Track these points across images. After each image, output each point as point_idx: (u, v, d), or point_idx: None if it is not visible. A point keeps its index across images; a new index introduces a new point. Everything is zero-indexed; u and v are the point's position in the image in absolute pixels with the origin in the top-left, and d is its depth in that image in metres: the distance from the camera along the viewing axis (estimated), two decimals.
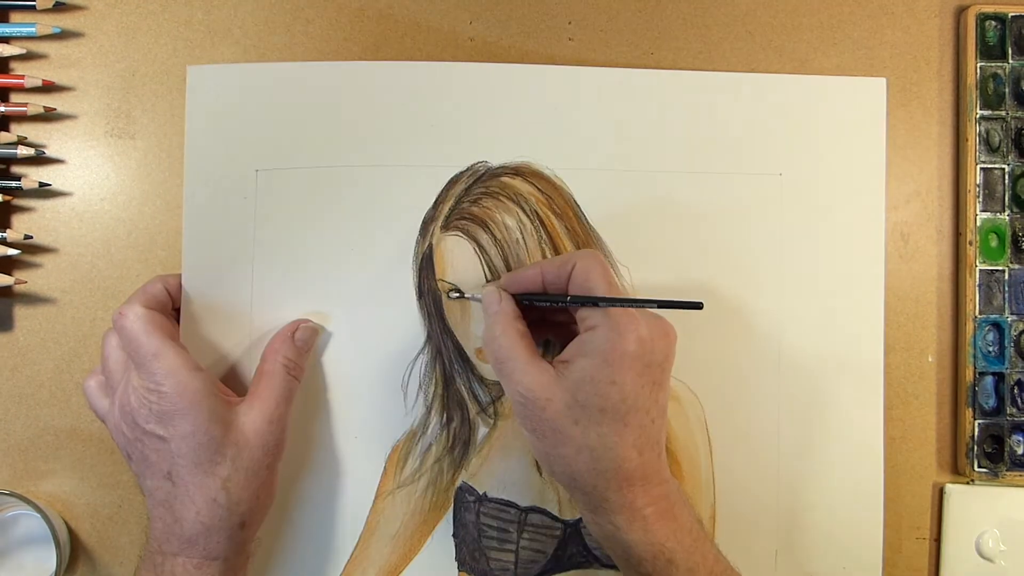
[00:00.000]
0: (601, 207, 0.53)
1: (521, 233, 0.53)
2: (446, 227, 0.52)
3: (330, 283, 0.52)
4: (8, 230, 0.52)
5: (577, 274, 0.44)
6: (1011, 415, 0.55)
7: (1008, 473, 0.54)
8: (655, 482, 0.42)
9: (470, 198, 0.53)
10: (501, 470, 0.53)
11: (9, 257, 0.51)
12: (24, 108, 0.52)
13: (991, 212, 0.55)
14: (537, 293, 0.47)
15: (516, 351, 0.44)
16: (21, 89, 0.52)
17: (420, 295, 0.52)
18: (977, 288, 0.55)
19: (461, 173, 0.53)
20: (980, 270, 0.55)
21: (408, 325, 0.52)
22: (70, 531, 0.52)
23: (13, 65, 0.53)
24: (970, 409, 0.54)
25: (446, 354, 0.53)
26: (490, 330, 0.45)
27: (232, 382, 0.50)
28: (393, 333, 0.52)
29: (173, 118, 0.53)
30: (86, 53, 0.53)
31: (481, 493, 0.53)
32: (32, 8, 0.52)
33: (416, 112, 0.52)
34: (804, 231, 0.54)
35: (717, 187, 0.53)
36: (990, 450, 0.55)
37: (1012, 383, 0.55)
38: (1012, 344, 0.55)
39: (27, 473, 0.52)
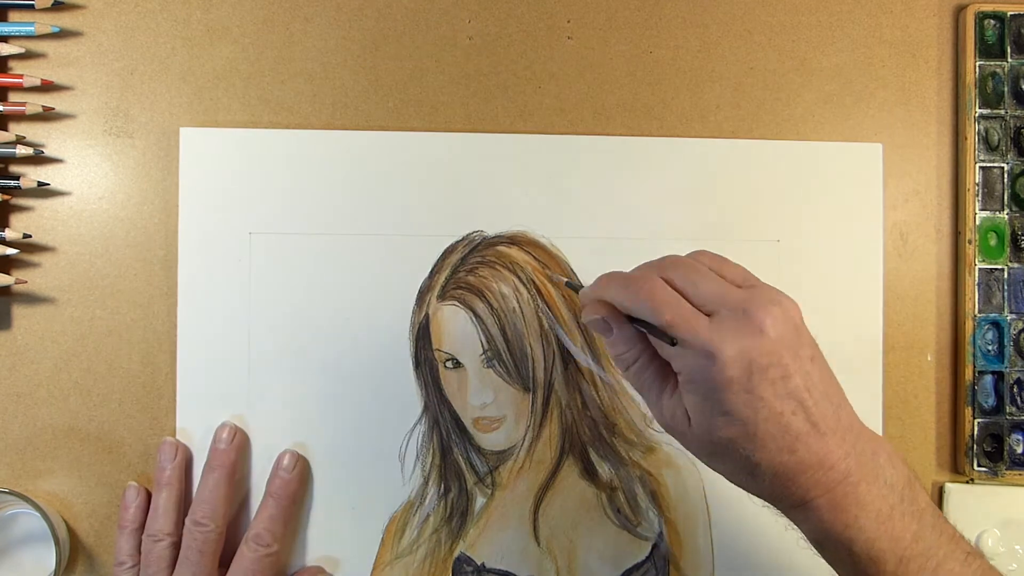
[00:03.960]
0: (598, 275, 0.53)
1: (518, 302, 0.53)
2: (442, 297, 0.53)
3: (326, 351, 0.52)
4: (7, 229, 0.51)
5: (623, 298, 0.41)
6: (1011, 414, 0.54)
7: (1008, 472, 0.54)
8: (824, 467, 0.38)
9: (466, 267, 0.53)
10: (499, 540, 0.53)
11: (7, 256, 0.51)
12: (23, 107, 0.52)
13: (990, 211, 0.55)
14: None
15: (641, 385, 0.42)
16: (20, 88, 0.52)
17: (417, 365, 0.53)
18: (976, 287, 0.55)
19: (457, 242, 0.53)
20: (979, 269, 0.55)
21: (405, 395, 0.53)
22: (69, 530, 0.52)
23: (12, 64, 0.53)
24: (969, 408, 0.54)
25: (443, 424, 0.53)
26: (615, 359, 0.43)
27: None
28: (390, 403, 0.53)
29: (172, 117, 0.53)
30: (85, 52, 0.53)
31: (479, 564, 0.53)
32: (31, 7, 0.52)
33: (412, 181, 0.53)
34: (802, 299, 0.54)
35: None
36: (990, 449, 0.55)
37: (1011, 382, 0.55)
38: (1011, 343, 0.55)
39: (26, 472, 0.52)
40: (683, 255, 0.43)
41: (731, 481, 0.41)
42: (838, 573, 0.40)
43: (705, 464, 0.40)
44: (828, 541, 0.39)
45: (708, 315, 0.39)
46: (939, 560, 0.38)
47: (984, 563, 0.39)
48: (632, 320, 0.41)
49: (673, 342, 0.39)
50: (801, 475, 0.38)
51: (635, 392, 0.53)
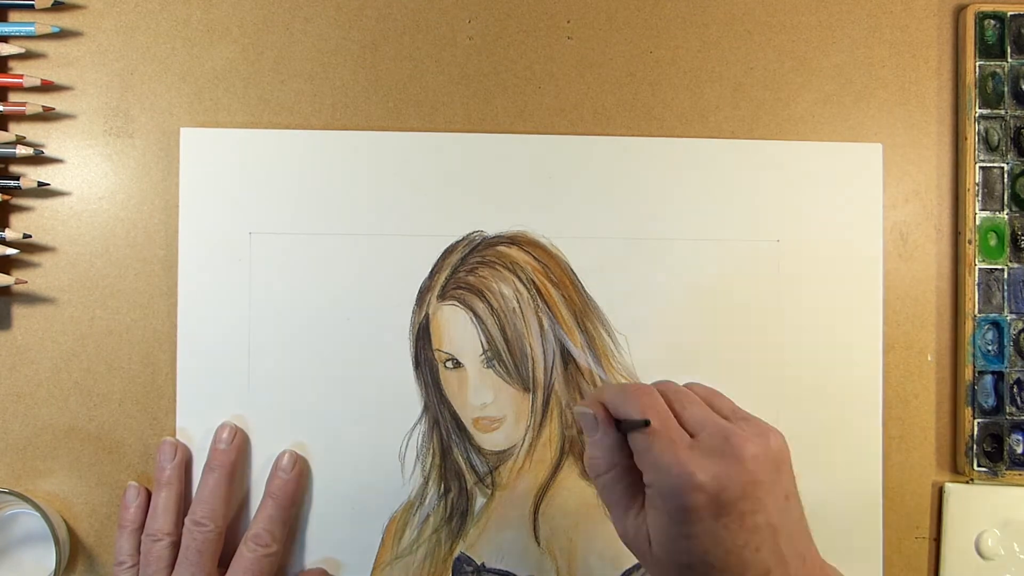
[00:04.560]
0: (598, 275, 0.53)
1: (518, 302, 0.53)
2: (442, 297, 0.53)
3: (326, 351, 0.52)
4: (7, 229, 0.52)
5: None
6: (1010, 414, 0.54)
7: (1008, 472, 0.54)
8: None
9: (466, 267, 0.53)
10: (499, 540, 0.53)
11: (8, 256, 0.51)
12: (23, 107, 0.52)
13: (990, 211, 0.55)
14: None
15: (609, 498, 0.41)
16: (20, 88, 0.52)
17: (417, 365, 0.53)
18: (976, 287, 0.55)
19: (457, 242, 0.53)
20: (979, 269, 0.55)
21: (405, 395, 0.53)
22: (69, 530, 0.52)
23: (12, 64, 0.53)
24: (969, 408, 0.54)
25: (443, 424, 0.53)
26: (588, 463, 0.42)
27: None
28: (390, 403, 0.53)
29: (172, 117, 0.53)
30: (85, 52, 0.53)
31: (479, 564, 0.53)
32: (31, 7, 0.52)
33: (412, 181, 0.53)
34: (802, 299, 0.54)
35: (714, 254, 0.54)
36: (989, 449, 0.55)
37: (1011, 382, 0.55)
38: (1011, 343, 0.55)
39: (25, 472, 0.52)
40: (678, 384, 0.43)
41: None
42: None
43: None
44: None
45: (691, 436, 0.39)
46: None
47: None
48: (618, 427, 0.41)
49: (647, 423, 0.38)
50: None
51: None
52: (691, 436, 0.39)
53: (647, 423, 0.38)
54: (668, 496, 0.37)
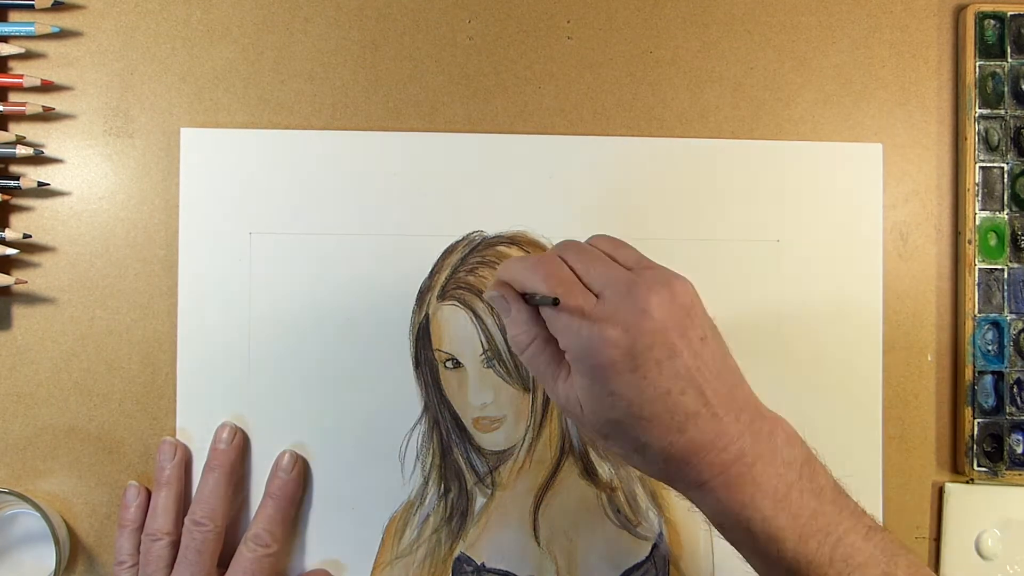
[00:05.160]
0: None
1: None
2: (442, 297, 0.53)
3: (326, 351, 0.52)
4: (7, 229, 0.52)
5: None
6: (1010, 414, 0.54)
7: (1008, 472, 0.54)
8: (717, 448, 0.38)
9: (466, 267, 0.53)
10: (499, 540, 0.53)
11: (8, 256, 0.51)
12: (23, 107, 0.52)
13: (990, 211, 0.55)
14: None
15: (537, 369, 0.42)
16: (20, 88, 0.52)
17: (417, 365, 0.53)
18: (976, 287, 0.55)
19: (457, 243, 0.53)
20: (979, 269, 0.55)
21: (405, 395, 0.53)
22: (69, 530, 0.52)
23: (12, 64, 0.53)
24: (969, 408, 0.54)
25: (443, 424, 0.53)
26: (511, 340, 0.43)
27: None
28: (390, 403, 0.53)
29: (172, 118, 0.53)
30: (85, 52, 0.53)
31: (479, 563, 0.53)
32: (31, 7, 0.52)
33: (411, 181, 0.53)
34: (802, 299, 0.54)
35: (714, 254, 0.54)
36: (989, 449, 0.55)
37: (1011, 382, 0.55)
38: (1011, 343, 0.55)
39: (25, 472, 0.52)
40: (581, 241, 0.43)
41: (627, 463, 0.41)
42: (741, 553, 0.40)
43: (601, 447, 0.41)
44: (727, 521, 0.39)
45: (596, 296, 0.39)
46: (839, 535, 0.38)
47: (886, 536, 0.39)
48: (529, 301, 0.42)
49: (556, 302, 0.38)
50: (693, 456, 0.38)
51: None
52: (596, 296, 0.39)
53: (556, 301, 0.38)
54: (584, 358, 0.38)
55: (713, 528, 0.40)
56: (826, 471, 0.40)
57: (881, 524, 0.40)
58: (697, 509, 0.40)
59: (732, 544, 0.40)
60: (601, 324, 0.38)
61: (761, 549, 0.38)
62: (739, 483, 0.38)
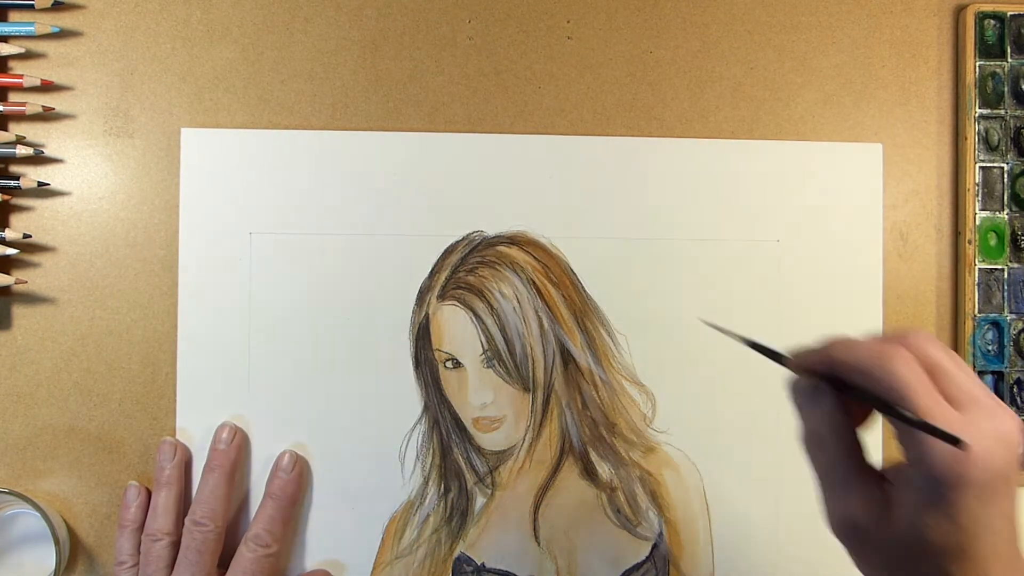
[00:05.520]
0: (598, 275, 0.53)
1: (518, 302, 0.53)
2: (442, 297, 0.53)
3: (326, 351, 0.52)
4: (7, 229, 0.51)
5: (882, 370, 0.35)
6: None
7: None
8: None
9: (466, 267, 0.53)
10: (499, 540, 0.53)
11: (8, 256, 0.51)
12: (23, 107, 0.52)
13: (990, 211, 0.55)
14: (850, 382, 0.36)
15: (833, 476, 0.37)
16: (20, 88, 0.52)
17: (417, 365, 0.53)
18: (976, 287, 0.55)
19: (457, 242, 0.53)
20: (979, 269, 0.55)
21: (405, 395, 0.53)
22: (69, 530, 0.52)
23: (12, 64, 0.53)
24: None
25: (443, 424, 0.53)
26: (807, 435, 0.37)
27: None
28: (390, 403, 0.53)
29: (172, 117, 0.53)
30: (85, 52, 0.53)
31: (479, 563, 0.53)
32: (31, 7, 0.52)
33: (412, 181, 0.53)
34: (802, 299, 0.54)
35: (714, 254, 0.54)
36: None
37: (1011, 382, 0.55)
38: (1011, 343, 0.55)
39: (25, 472, 0.52)
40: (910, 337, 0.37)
41: None
42: None
43: (876, 570, 0.36)
44: None
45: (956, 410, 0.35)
46: None
47: None
48: (848, 392, 0.36)
49: (956, 441, 0.33)
50: None
51: (635, 392, 0.53)
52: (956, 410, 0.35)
53: (957, 442, 0.33)
54: (930, 467, 0.33)
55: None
56: None
57: None
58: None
59: None
60: (970, 435, 0.33)
61: None
62: None
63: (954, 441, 0.33)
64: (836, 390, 0.36)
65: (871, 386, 0.35)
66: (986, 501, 0.34)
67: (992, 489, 0.34)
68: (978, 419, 0.34)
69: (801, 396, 0.38)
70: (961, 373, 0.36)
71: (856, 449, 0.37)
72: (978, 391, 0.35)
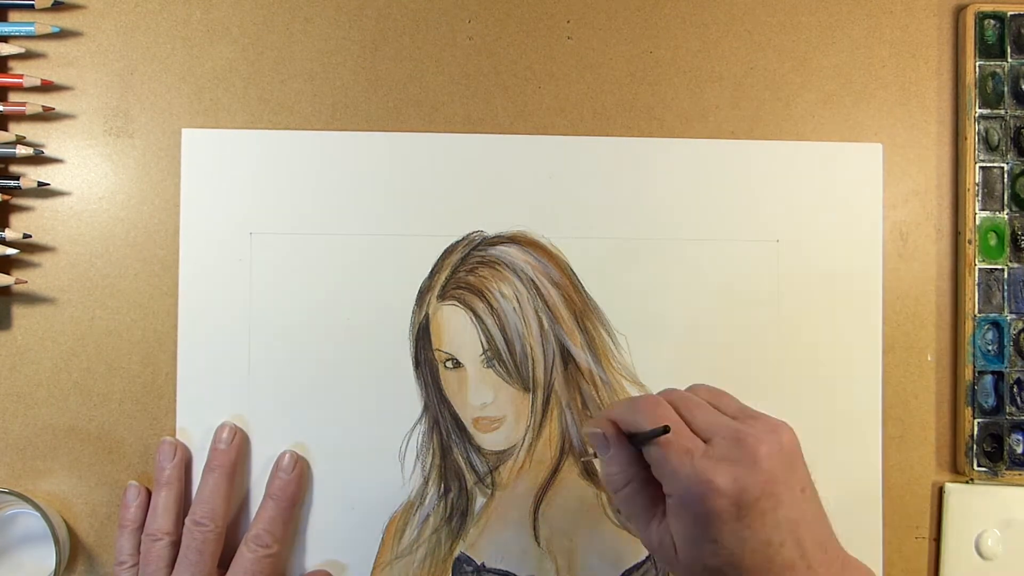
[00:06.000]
0: (598, 275, 0.54)
1: (518, 302, 0.53)
2: (442, 297, 0.53)
3: (326, 351, 0.52)
4: (7, 229, 0.52)
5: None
6: (1010, 414, 0.54)
7: (1008, 472, 0.54)
8: None
9: (466, 267, 0.53)
10: (499, 540, 0.53)
11: (8, 256, 0.51)
12: (23, 107, 0.52)
13: (990, 211, 0.55)
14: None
15: (631, 510, 0.42)
16: (20, 88, 0.52)
17: (417, 365, 0.53)
18: (976, 287, 0.55)
19: (457, 242, 0.53)
20: (979, 269, 0.55)
21: (405, 395, 0.53)
22: (69, 530, 0.52)
23: (12, 64, 0.53)
24: (969, 408, 0.54)
25: (443, 424, 0.53)
26: (607, 479, 0.43)
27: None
28: (390, 403, 0.53)
29: (172, 117, 0.53)
30: (85, 52, 0.53)
31: (479, 563, 0.53)
32: (31, 7, 0.52)
33: (412, 181, 0.53)
34: (802, 299, 0.54)
35: (714, 254, 0.54)
36: (990, 449, 0.55)
37: (1011, 382, 0.55)
38: (1011, 343, 0.55)
39: (25, 472, 0.53)
40: (682, 389, 0.44)
41: None
42: None
43: None
44: None
45: (705, 442, 0.39)
46: None
47: None
48: (631, 441, 0.42)
49: (666, 429, 0.38)
50: None
51: (635, 392, 0.53)
52: (704, 442, 0.39)
53: (666, 429, 0.39)
54: (690, 504, 0.38)
55: None
56: None
57: None
58: None
59: None
60: (710, 471, 0.38)
61: None
62: None
63: (663, 431, 0.38)
64: (621, 438, 0.42)
65: (636, 424, 0.41)
66: (752, 520, 0.37)
67: (750, 508, 0.37)
68: (718, 450, 0.38)
69: (594, 442, 0.43)
70: (703, 412, 0.41)
71: (646, 488, 0.41)
72: (721, 425, 0.40)
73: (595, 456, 0.44)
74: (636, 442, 0.41)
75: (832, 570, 0.39)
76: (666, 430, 0.39)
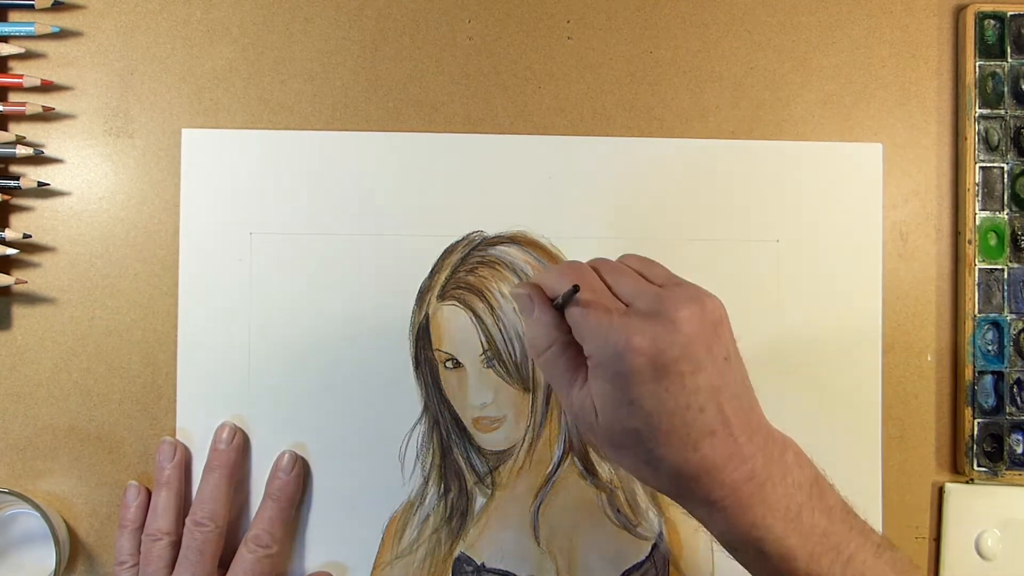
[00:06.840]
0: None
1: None
2: (442, 297, 0.53)
3: (326, 351, 0.52)
4: (7, 229, 0.52)
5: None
6: (1010, 414, 0.54)
7: (1008, 472, 0.54)
8: (730, 468, 0.37)
9: (466, 267, 0.53)
10: (499, 540, 0.53)
11: (7, 256, 0.51)
12: (23, 107, 0.52)
13: (990, 211, 0.55)
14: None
15: (552, 373, 0.42)
16: (20, 88, 0.52)
17: (417, 365, 0.53)
18: (976, 287, 0.55)
19: (457, 242, 0.53)
20: (979, 269, 0.55)
21: (405, 395, 0.53)
22: (69, 530, 0.52)
23: (12, 64, 0.53)
24: (969, 408, 0.54)
25: (443, 424, 0.53)
26: (529, 343, 0.43)
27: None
28: (390, 403, 0.53)
29: (172, 117, 0.53)
30: (85, 52, 0.53)
31: (479, 563, 0.53)
32: (31, 7, 0.52)
33: (412, 181, 0.53)
34: (802, 299, 0.54)
35: (714, 254, 0.54)
36: (989, 449, 0.55)
37: (1011, 382, 0.55)
38: (1011, 343, 0.55)
39: (25, 472, 0.53)
40: (612, 259, 0.44)
41: (635, 477, 0.41)
42: (751, 574, 0.40)
43: (610, 459, 0.41)
44: (737, 541, 0.38)
45: (627, 305, 0.39)
46: (850, 553, 0.38)
47: (896, 554, 0.39)
48: (555, 304, 0.41)
49: (576, 289, 0.39)
50: (705, 474, 0.37)
51: None
52: (626, 305, 0.39)
53: (575, 288, 0.39)
54: (608, 363, 0.38)
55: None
56: (834, 491, 0.40)
57: (888, 541, 0.40)
58: (705, 530, 0.40)
59: (742, 564, 0.39)
60: (629, 331, 0.37)
61: (773, 569, 0.38)
62: (750, 503, 0.37)
63: (574, 290, 0.38)
64: (545, 301, 0.42)
65: (559, 288, 0.41)
66: (663, 383, 0.37)
67: (672, 370, 0.37)
68: (638, 312, 0.38)
69: (518, 302, 0.43)
70: (628, 278, 0.41)
71: (568, 351, 0.41)
72: (644, 290, 0.40)
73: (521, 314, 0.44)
74: (558, 305, 0.41)
75: (755, 439, 0.38)
76: (575, 289, 0.39)
